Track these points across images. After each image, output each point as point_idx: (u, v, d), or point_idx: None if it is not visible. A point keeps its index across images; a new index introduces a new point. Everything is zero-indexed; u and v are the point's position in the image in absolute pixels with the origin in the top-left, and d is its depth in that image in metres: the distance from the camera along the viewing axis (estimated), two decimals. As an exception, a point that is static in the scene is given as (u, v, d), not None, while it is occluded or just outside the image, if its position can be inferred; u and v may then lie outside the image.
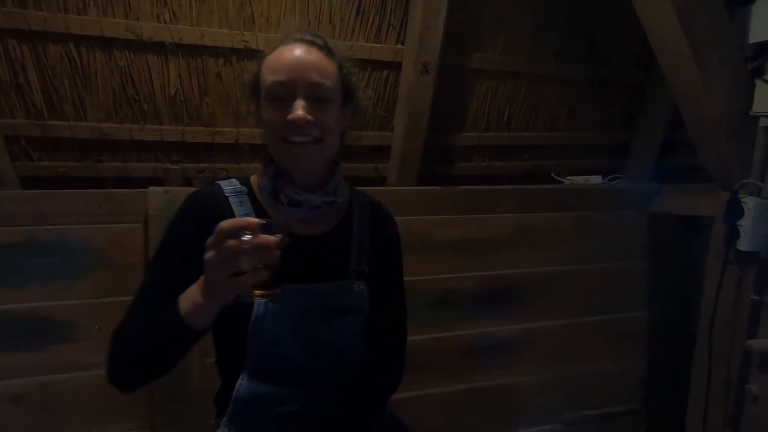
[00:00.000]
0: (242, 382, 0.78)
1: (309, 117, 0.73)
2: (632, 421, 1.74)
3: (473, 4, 1.48)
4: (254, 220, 0.62)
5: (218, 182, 0.83)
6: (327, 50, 0.79)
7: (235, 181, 0.84)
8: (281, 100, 0.74)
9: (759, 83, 1.23)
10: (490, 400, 1.57)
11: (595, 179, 1.87)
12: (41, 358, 1.19)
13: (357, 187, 0.96)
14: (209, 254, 0.61)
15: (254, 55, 1.35)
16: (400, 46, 1.48)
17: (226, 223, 0.60)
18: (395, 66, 1.50)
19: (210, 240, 0.61)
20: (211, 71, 1.38)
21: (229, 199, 0.81)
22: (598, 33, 1.63)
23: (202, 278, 0.64)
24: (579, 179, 1.86)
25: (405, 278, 0.95)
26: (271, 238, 0.61)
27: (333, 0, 1.38)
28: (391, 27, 1.46)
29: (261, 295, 0.63)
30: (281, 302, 0.75)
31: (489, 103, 1.66)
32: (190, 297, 0.66)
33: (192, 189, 1.26)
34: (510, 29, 1.56)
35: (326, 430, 0.81)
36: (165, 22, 1.29)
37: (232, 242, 0.59)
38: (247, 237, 0.60)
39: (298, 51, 0.76)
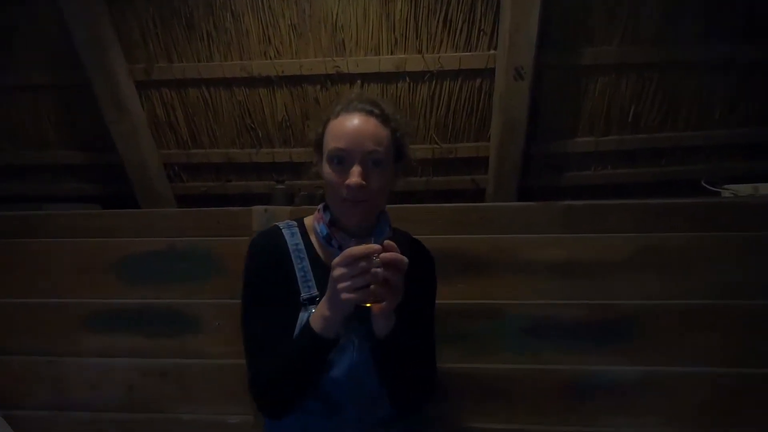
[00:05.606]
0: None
1: (363, 182, 0.82)
2: None
3: (576, -6, 1.29)
4: (376, 246, 0.73)
5: (276, 224, 0.97)
6: (383, 118, 0.87)
7: (292, 221, 0.98)
8: (340, 164, 0.84)
9: None
10: (597, 449, 1.35)
11: (769, 188, 1.44)
12: (178, 344, 1.46)
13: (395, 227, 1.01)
14: (338, 273, 0.72)
15: (346, 78, 1.45)
16: (492, 51, 1.38)
17: (355, 249, 0.73)
18: (488, 73, 1.40)
19: (336, 261, 0.73)
20: (310, 97, 1.50)
21: (282, 230, 0.94)
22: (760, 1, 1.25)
23: (324, 299, 0.77)
24: (743, 188, 1.46)
25: (495, 301, 1.18)
26: (398, 257, 0.73)
27: (418, 15, 1.37)
28: (482, 33, 1.37)
29: (373, 303, 0.76)
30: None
31: (608, 102, 1.43)
32: (319, 316, 0.78)
33: (287, 207, 1.43)
34: (630, 14, 1.31)
35: None
36: (270, 58, 1.45)
37: (364, 264, 0.72)
38: (376, 259, 0.73)
39: (356, 121, 0.85)
